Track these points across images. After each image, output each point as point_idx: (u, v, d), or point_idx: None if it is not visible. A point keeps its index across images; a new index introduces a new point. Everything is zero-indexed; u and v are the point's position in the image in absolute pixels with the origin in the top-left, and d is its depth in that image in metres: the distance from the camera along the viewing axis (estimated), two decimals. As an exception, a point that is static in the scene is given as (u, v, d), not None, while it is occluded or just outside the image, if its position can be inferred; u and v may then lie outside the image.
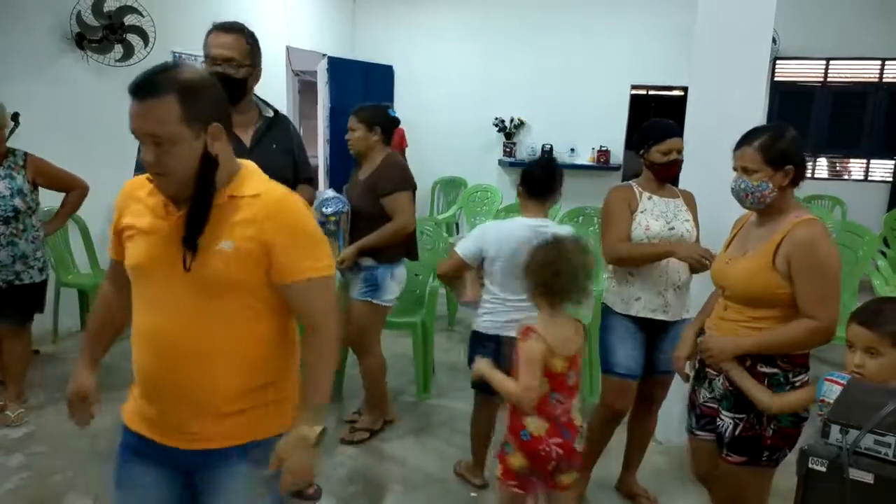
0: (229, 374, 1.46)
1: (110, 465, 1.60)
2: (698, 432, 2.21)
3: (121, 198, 1.56)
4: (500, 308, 2.63)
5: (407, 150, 7.52)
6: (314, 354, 1.51)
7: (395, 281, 3.23)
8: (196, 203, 1.40)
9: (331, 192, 3.18)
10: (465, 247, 2.69)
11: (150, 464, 1.54)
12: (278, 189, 1.51)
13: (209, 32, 2.39)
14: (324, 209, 3.07)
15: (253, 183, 1.48)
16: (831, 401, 1.65)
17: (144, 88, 1.35)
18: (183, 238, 1.40)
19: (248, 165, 1.54)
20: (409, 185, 3.20)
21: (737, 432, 2.03)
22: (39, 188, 3.41)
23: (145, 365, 1.50)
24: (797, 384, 2.00)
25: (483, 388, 2.50)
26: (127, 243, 1.52)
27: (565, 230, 2.68)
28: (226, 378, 1.46)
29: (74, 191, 3.56)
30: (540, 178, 2.70)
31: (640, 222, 2.57)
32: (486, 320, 2.67)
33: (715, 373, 2.11)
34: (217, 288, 1.42)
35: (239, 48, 2.36)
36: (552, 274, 2.01)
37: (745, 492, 2.09)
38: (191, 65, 1.52)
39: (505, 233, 2.62)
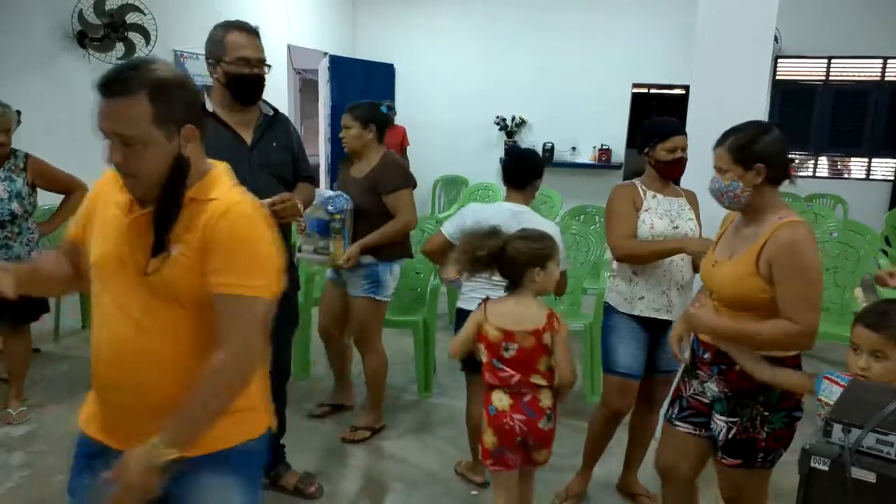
0: (179, 378, 1.37)
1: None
2: (678, 423, 2.18)
3: (96, 188, 1.52)
4: (482, 285, 2.67)
5: (408, 148, 7.52)
6: (205, 374, 1.34)
7: (393, 277, 3.27)
8: (163, 206, 1.34)
9: (330, 192, 3.19)
10: (449, 226, 2.80)
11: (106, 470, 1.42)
12: (235, 196, 1.41)
13: (226, 33, 2.34)
14: (328, 207, 3.09)
15: (216, 187, 1.41)
16: (830, 401, 1.64)
17: (113, 85, 1.28)
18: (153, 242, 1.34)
19: (219, 167, 1.47)
20: (410, 182, 3.23)
21: (730, 435, 2.01)
22: (38, 189, 3.40)
23: (99, 367, 1.46)
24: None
25: (472, 369, 2.62)
26: (90, 238, 1.47)
27: (545, 221, 2.77)
28: (177, 383, 1.37)
29: (74, 193, 3.56)
30: (506, 167, 2.89)
31: (645, 220, 2.56)
32: (469, 297, 2.74)
33: (707, 375, 2.09)
34: (166, 291, 1.36)
35: (261, 48, 2.38)
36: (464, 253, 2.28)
37: (742, 493, 2.09)
38: (164, 61, 1.41)
39: (485, 215, 2.66)
